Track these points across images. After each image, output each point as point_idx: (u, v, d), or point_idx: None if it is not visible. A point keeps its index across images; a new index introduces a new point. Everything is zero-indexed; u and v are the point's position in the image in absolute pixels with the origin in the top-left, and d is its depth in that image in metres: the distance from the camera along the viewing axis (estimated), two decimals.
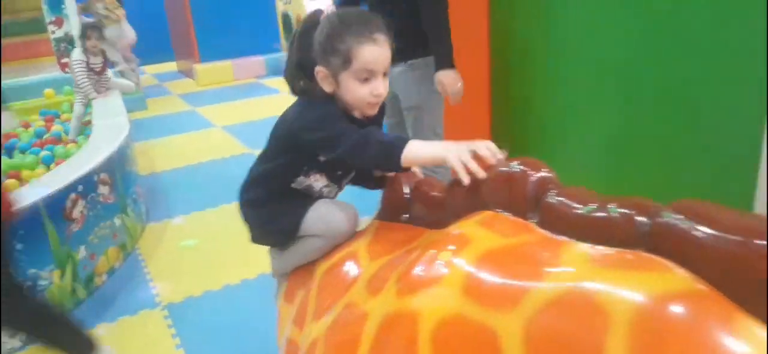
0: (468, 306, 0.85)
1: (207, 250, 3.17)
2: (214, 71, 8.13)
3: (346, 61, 1.28)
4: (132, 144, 3.79)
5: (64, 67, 5.98)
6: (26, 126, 5.12)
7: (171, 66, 9.54)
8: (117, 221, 3.05)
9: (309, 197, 1.49)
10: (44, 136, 4.64)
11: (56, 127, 4.93)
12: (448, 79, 2.55)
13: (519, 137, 3.57)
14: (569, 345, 0.71)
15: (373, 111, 1.37)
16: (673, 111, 2.55)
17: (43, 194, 2.51)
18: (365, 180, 1.56)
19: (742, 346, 0.59)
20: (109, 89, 4.84)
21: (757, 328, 0.60)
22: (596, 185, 0.92)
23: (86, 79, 4.59)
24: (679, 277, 0.67)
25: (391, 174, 1.43)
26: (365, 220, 1.55)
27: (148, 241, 3.36)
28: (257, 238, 1.61)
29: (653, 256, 0.72)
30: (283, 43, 9.10)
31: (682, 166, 2.54)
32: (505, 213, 0.99)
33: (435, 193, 1.25)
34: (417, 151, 1.22)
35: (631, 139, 2.79)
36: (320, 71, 1.33)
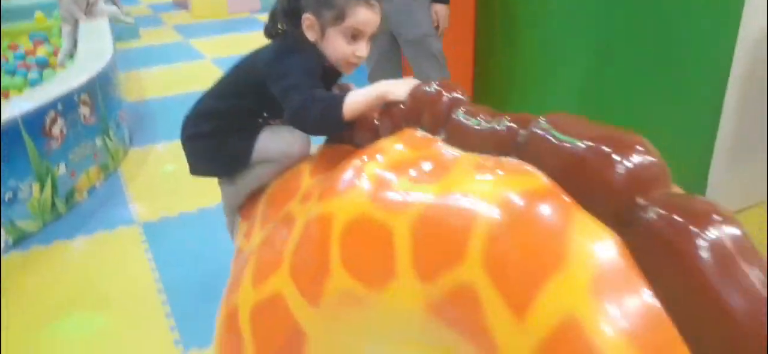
0: (372, 208, 0.95)
1: (186, 176, 3.26)
2: (208, 3, 8.06)
3: (339, 17, 1.31)
4: (116, 69, 3.84)
5: None
6: (14, 48, 5.15)
7: None
8: (98, 142, 3.14)
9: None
10: (26, 59, 4.67)
11: (44, 50, 4.96)
12: (444, 12, 2.68)
13: (499, 82, 3.64)
14: (442, 236, 0.81)
15: (349, 71, 1.42)
16: (642, 59, 2.61)
17: (22, 110, 2.58)
18: None
19: (574, 233, 0.68)
20: (96, 15, 4.84)
21: (590, 221, 0.69)
22: None
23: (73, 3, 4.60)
24: (535, 179, 0.76)
25: None
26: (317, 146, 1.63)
27: (130, 164, 3.45)
28: (203, 169, 1.62)
29: (519, 162, 0.81)
30: None
31: (652, 113, 2.61)
32: (421, 131, 1.07)
33: (372, 117, 1.32)
34: (357, 98, 1.25)
35: (603, 83, 2.85)
36: (308, 19, 1.34)
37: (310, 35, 1.36)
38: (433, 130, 1.05)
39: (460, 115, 0.98)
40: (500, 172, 0.81)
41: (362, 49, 1.36)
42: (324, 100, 1.29)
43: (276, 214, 1.40)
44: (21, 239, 2.62)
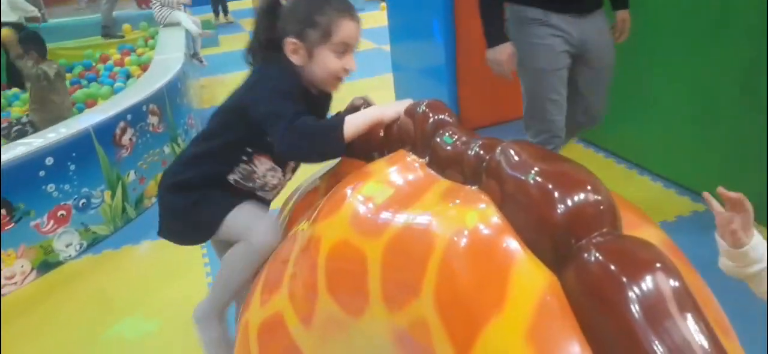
0: (352, 233, 0.95)
1: None
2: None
3: (326, 35, 1.30)
4: (186, 78, 4.04)
5: (139, 3, 6.33)
6: (105, 60, 5.55)
7: (247, 3, 9.83)
8: (167, 149, 3.33)
9: (241, 194, 1.46)
10: (113, 70, 5.00)
11: (129, 61, 5.30)
12: (627, 17, 2.33)
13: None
14: (407, 261, 0.80)
15: (335, 88, 1.41)
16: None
17: (93, 121, 2.78)
18: None
19: (513, 275, 0.66)
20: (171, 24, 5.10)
21: (531, 261, 0.66)
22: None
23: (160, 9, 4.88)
24: (486, 212, 0.73)
25: None
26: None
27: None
28: (167, 229, 1.53)
29: (477, 193, 0.78)
30: None
31: None
32: (409, 152, 1.06)
33: (379, 132, 1.32)
34: (356, 121, 1.25)
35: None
36: (291, 44, 1.31)
37: (296, 59, 1.34)
38: (420, 152, 1.03)
39: (442, 137, 0.96)
40: (458, 203, 0.78)
41: (350, 62, 1.36)
42: (322, 129, 1.28)
43: (291, 228, 1.43)
44: (94, 242, 2.83)
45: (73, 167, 2.68)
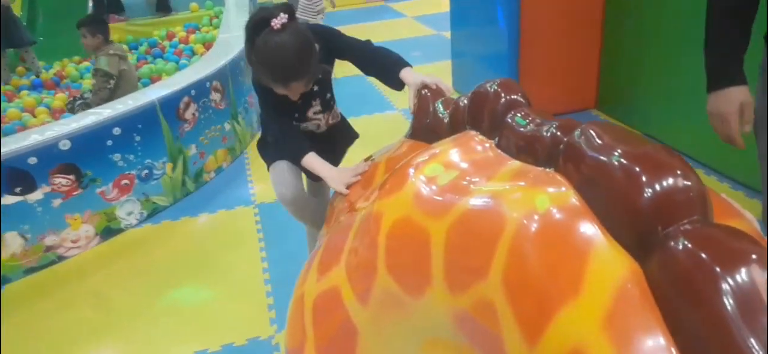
0: (415, 210, 0.93)
1: None
2: None
3: (266, 81, 1.51)
4: None
5: None
6: (171, 37, 5.70)
7: None
8: (227, 126, 3.39)
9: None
10: (178, 47, 5.12)
11: (194, 38, 5.42)
12: None
13: (626, 78, 3.38)
14: (473, 242, 0.78)
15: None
16: None
17: (159, 95, 2.86)
18: (392, 86, 1.66)
19: (591, 260, 0.62)
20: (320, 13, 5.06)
21: (611, 247, 0.62)
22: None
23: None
24: (564, 194, 0.70)
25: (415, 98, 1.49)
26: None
27: (255, 148, 3.69)
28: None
29: (553, 175, 0.74)
30: None
31: None
32: (478, 133, 1.03)
33: (441, 113, 1.29)
34: (311, 164, 1.61)
35: None
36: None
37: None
38: (489, 133, 1.00)
39: (515, 118, 0.92)
40: (533, 184, 0.75)
41: (294, 96, 1.59)
42: (296, 140, 1.68)
43: (352, 205, 1.43)
44: (154, 213, 2.91)
45: (138, 139, 2.77)
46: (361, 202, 1.31)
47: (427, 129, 1.41)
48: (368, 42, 1.72)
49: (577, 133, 0.73)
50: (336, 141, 1.89)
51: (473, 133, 1.05)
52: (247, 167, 3.42)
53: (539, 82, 3.48)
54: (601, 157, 0.66)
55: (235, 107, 3.52)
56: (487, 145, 0.96)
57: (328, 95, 1.78)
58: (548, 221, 0.68)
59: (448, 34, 4.57)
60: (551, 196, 0.71)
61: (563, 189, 0.71)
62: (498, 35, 3.48)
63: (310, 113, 1.74)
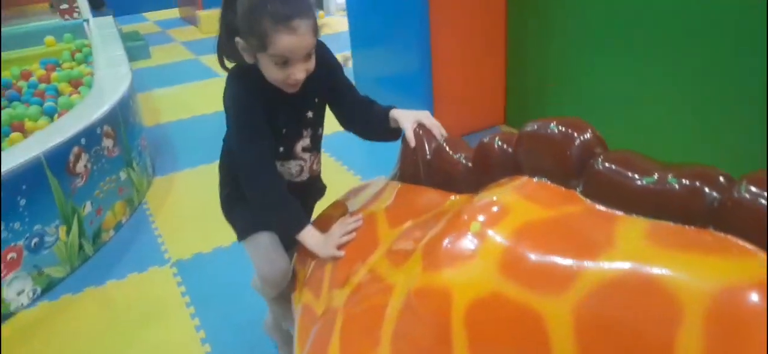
0: (507, 285, 0.78)
1: (216, 204, 3.11)
2: (217, 18, 7.90)
3: (262, 45, 1.20)
4: (135, 94, 3.68)
5: (62, 13, 5.81)
6: (27, 76, 5.01)
7: (173, 13, 9.31)
8: (122, 175, 2.98)
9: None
10: (39, 87, 4.53)
11: (56, 76, 4.82)
12: None
13: (533, 91, 3.48)
14: (632, 336, 0.63)
15: (293, 91, 1.30)
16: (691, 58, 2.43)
17: (45, 147, 2.42)
18: (374, 134, 1.49)
19: None
20: None
21: None
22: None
23: None
24: (758, 261, 0.59)
25: (413, 133, 1.32)
26: (381, 179, 1.47)
27: (155, 195, 3.30)
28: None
29: (725, 236, 0.63)
30: None
31: (711, 117, 2.44)
32: (544, 179, 0.90)
33: (459, 156, 1.15)
34: (305, 239, 1.34)
35: (648, 87, 2.68)
36: (239, 43, 1.25)
37: (247, 58, 1.28)
38: (562, 180, 0.87)
39: (604, 163, 0.80)
40: (701, 249, 0.63)
41: (296, 73, 1.24)
42: (288, 208, 1.36)
43: (350, 267, 1.23)
44: (50, 287, 2.46)
45: (23, 202, 2.32)
46: (378, 267, 1.12)
47: (427, 172, 1.27)
48: (352, 85, 1.52)
49: (744, 185, 0.63)
50: (309, 195, 1.60)
51: (533, 179, 0.92)
52: (149, 219, 3.03)
53: (451, 102, 3.49)
54: None
55: (129, 153, 3.11)
56: (575, 195, 0.83)
57: (320, 131, 1.50)
58: (757, 303, 0.56)
59: (339, 57, 4.44)
60: (745, 264, 0.59)
61: (758, 255, 0.59)
62: (411, 59, 3.43)
63: (298, 148, 1.45)
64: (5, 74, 5.15)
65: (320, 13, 8.73)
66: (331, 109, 1.50)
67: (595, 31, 2.93)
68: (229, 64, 1.38)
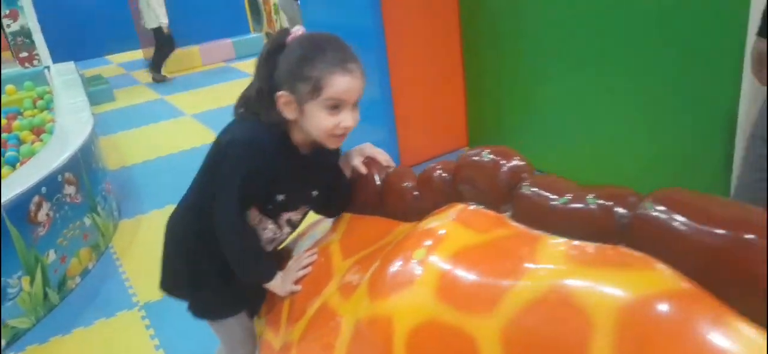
0: (443, 309, 0.82)
1: None
2: (181, 57, 7.92)
3: (316, 90, 1.16)
4: (97, 139, 3.67)
5: (22, 61, 5.76)
6: None
7: (137, 54, 9.28)
8: (87, 221, 2.96)
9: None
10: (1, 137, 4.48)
11: (18, 125, 4.76)
12: None
13: (494, 107, 3.56)
14: (550, 349, 0.68)
15: (336, 145, 1.26)
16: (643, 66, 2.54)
17: (5, 199, 2.41)
18: (326, 210, 1.47)
19: (731, 346, 0.56)
20: None
21: (746, 327, 0.57)
22: (573, 157, 0.90)
23: None
24: (662, 275, 0.64)
25: (362, 165, 1.36)
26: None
27: (121, 238, 3.28)
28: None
29: (634, 252, 0.68)
30: (251, 24, 8.92)
31: (664, 120, 2.54)
32: (478, 206, 0.94)
33: (406, 185, 1.20)
34: (271, 286, 1.34)
35: (604, 95, 2.77)
36: (283, 96, 1.19)
37: (288, 113, 1.21)
38: (493, 205, 0.92)
39: (529, 188, 0.86)
40: (609, 265, 0.68)
41: (347, 119, 1.20)
42: (251, 264, 1.33)
43: (306, 300, 1.27)
44: (15, 339, 2.43)
45: None
46: (330, 299, 1.16)
47: (378, 203, 1.31)
48: None
49: (646, 204, 0.68)
50: None
51: (466, 205, 0.97)
52: (116, 263, 3.01)
53: (414, 129, 3.55)
54: (697, 227, 0.61)
55: (93, 198, 3.09)
56: (504, 218, 0.88)
57: (306, 214, 1.46)
58: (661, 313, 0.61)
59: None
60: (650, 277, 0.64)
61: (659, 267, 0.64)
62: (370, 87, 3.45)
63: (285, 216, 1.38)
64: None
65: None
66: (328, 199, 1.44)
67: (547, 50, 3.04)
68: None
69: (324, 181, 1.39)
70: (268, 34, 9.90)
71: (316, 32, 1.24)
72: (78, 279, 2.83)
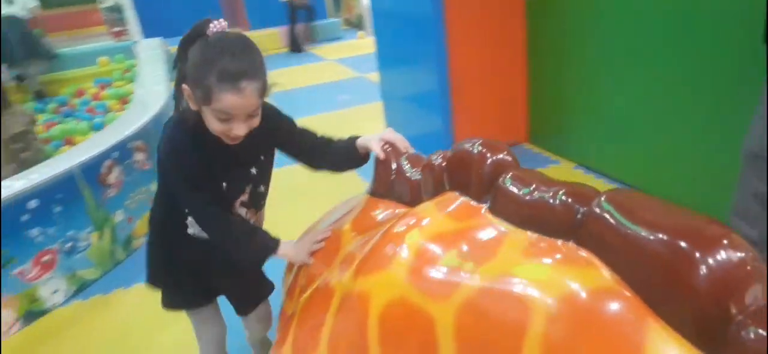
0: (411, 290, 0.86)
1: None
2: (263, 38, 8.22)
3: (206, 99, 1.17)
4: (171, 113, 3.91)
5: (116, 35, 6.18)
6: (80, 94, 5.37)
7: None
8: (153, 186, 3.17)
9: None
10: (90, 104, 4.85)
11: (107, 94, 5.14)
12: None
13: (555, 105, 3.49)
14: (492, 333, 0.71)
15: (234, 142, 1.26)
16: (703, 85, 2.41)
17: (79, 160, 2.64)
18: (343, 166, 1.51)
19: (649, 347, 0.57)
20: None
21: (669, 336, 0.57)
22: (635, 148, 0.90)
23: None
24: (597, 273, 0.65)
25: (381, 149, 1.40)
26: (360, 196, 1.56)
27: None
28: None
29: (579, 250, 0.70)
30: (329, 9, 9.10)
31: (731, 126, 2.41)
32: (464, 196, 0.97)
33: (415, 172, 1.24)
34: (282, 253, 1.38)
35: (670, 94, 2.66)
36: (186, 90, 1.21)
37: (192, 105, 1.23)
38: (476, 196, 0.95)
39: (507, 181, 0.88)
40: (556, 261, 0.70)
41: (237, 129, 1.20)
42: (256, 236, 1.38)
43: (315, 274, 1.33)
44: (83, 288, 2.67)
45: (58, 209, 2.53)
46: (331, 273, 1.22)
47: (391, 187, 1.35)
48: (312, 131, 1.50)
49: (599, 202, 0.69)
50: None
51: (456, 195, 1.00)
52: None
53: (472, 120, 3.53)
54: (639, 232, 0.62)
55: None
56: (482, 210, 0.91)
57: (263, 188, 1.47)
58: (588, 304, 0.63)
59: (371, 76, 4.56)
60: (580, 274, 0.66)
61: (594, 265, 0.66)
62: (429, 77, 3.50)
63: (236, 204, 1.40)
64: (63, 92, 5.53)
65: (360, 33, 8.94)
66: (294, 159, 1.49)
67: (617, 44, 2.93)
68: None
69: (259, 153, 1.40)
70: (346, 20, 10.09)
71: (229, 33, 1.21)
72: (142, 239, 3.05)
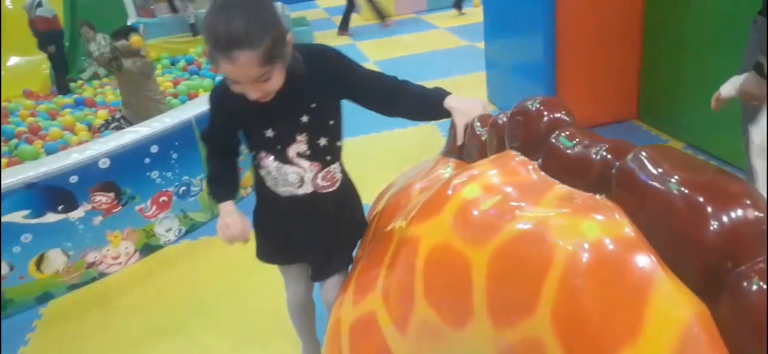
0: (454, 236, 0.89)
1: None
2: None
3: (214, 63, 1.16)
4: None
5: None
6: (207, 54, 5.79)
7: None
8: None
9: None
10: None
11: None
12: None
13: (668, 83, 3.27)
14: (518, 273, 0.73)
15: (266, 99, 1.23)
16: None
17: (196, 112, 2.88)
18: (422, 117, 1.49)
19: (654, 296, 0.57)
20: None
21: (674, 286, 0.57)
22: None
23: None
24: (615, 224, 0.65)
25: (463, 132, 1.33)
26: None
27: None
28: None
29: (605, 202, 0.70)
30: None
31: None
32: (519, 153, 0.98)
33: (481, 132, 1.25)
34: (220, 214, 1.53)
35: None
36: (206, 51, 1.29)
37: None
38: (531, 153, 0.95)
39: (559, 138, 0.87)
40: (582, 213, 0.70)
41: (250, 93, 1.18)
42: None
43: (386, 226, 1.39)
44: (192, 229, 2.94)
45: (175, 156, 2.79)
46: (395, 224, 1.28)
47: (462, 146, 1.37)
48: (383, 75, 1.42)
49: (631, 157, 0.68)
50: (315, 214, 1.47)
51: (514, 153, 1.00)
52: None
53: (577, 93, 3.40)
54: (660, 185, 0.61)
55: None
56: (531, 167, 0.91)
57: (324, 142, 1.38)
58: (603, 254, 0.63)
59: (481, 45, 4.51)
60: (602, 225, 0.66)
61: (617, 217, 0.66)
62: (534, 46, 3.41)
63: (291, 153, 1.35)
64: (191, 52, 5.97)
65: (475, 1, 8.79)
66: (363, 105, 1.42)
67: (736, 29, 2.70)
68: None
69: (309, 101, 1.33)
70: None
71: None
72: (249, 190, 3.28)
